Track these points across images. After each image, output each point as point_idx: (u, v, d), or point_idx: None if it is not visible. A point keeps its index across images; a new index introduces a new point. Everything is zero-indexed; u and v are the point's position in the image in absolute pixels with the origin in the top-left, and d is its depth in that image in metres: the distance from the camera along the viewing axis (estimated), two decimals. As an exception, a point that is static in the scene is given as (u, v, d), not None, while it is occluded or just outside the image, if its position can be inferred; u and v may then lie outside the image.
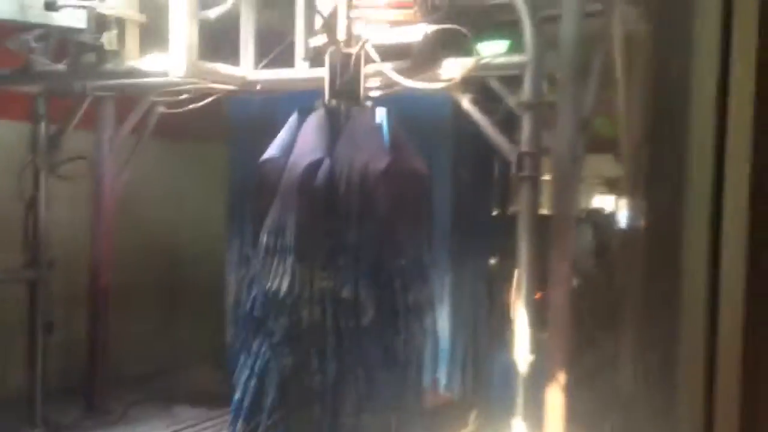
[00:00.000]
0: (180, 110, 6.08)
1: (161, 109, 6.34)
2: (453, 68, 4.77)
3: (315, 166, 3.66)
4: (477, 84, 5.02)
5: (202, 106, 5.95)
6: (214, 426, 5.96)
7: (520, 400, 4.53)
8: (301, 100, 4.16)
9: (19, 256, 5.94)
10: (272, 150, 3.91)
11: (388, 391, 3.44)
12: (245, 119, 6.76)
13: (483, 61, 4.71)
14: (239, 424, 3.57)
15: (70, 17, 5.15)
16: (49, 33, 5.49)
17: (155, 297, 7.56)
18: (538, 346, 4.55)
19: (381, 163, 3.64)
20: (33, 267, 5.92)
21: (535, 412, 4.50)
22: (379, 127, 3.86)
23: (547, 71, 4.63)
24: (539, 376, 4.53)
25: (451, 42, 4.86)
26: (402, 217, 3.70)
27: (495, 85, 4.88)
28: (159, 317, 7.51)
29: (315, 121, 3.84)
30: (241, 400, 3.59)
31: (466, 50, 4.80)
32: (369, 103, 3.99)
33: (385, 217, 3.62)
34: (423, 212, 3.90)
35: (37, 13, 5.01)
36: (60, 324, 6.12)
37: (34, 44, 5.51)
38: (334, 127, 3.81)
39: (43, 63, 5.67)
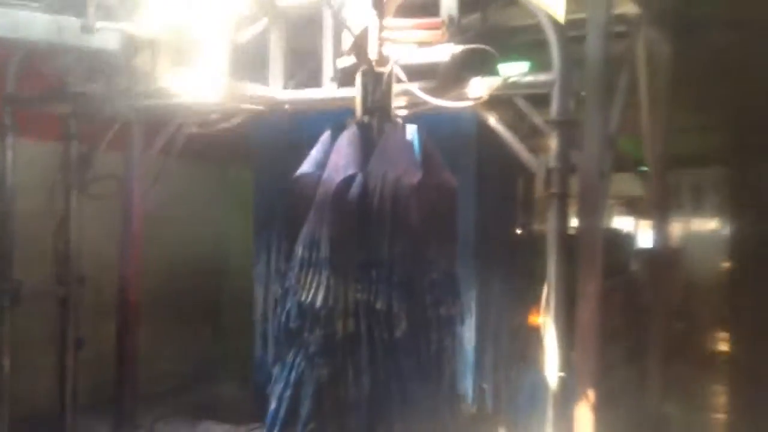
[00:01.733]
0: (208, 131, 6.22)
1: (190, 129, 6.46)
2: (479, 87, 4.84)
3: (349, 180, 3.72)
4: (503, 103, 5.10)
5: (227, 128, 6.07)
6: (242, 442, 6.00)
7: (549, 418, 4.52)
8: (324, 121, 4.25)
9: (49, 272, 6.05)
10: (306, 165, 3.98)
11: (422, 404, 3.47)
12: (269, 141, 6.89)
13: (510, 80, 4.78)
14: (274, 434, 3.61)
15: (104, 39, 5.29)
16: (84, 55, 5.65)
17: (182, 313, 7.64)
18: (567, 364, 4.55)
19: (413, 177, 3.70)
20: (63, 283, 6.03)
21: (565, 429, 4.50)
22: (411, 142, 3.93)
23: (573, 89, 4.70)
24: (568, 394, 4.53)
25: (477, 62, 4.95)
26: (434, 230, 3.75)
27: (521, 103, 4.95)
28: (186, 333, 7.59)
29: (348, 137, 3.92)
30: (277, 410, 3.63)
31: (491, 70, 4.88)
32: (400, 120, 4.06)
33: (418, 230, 3.67)
34: (454, 226, 3.95)
35: (72, 36, 5.15)
36: (89, 340, 6.21)
37: (70, 66, 5.67)
38: (367, 143, 3.88)
39: (76, 84, 5.82)
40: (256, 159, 7.27)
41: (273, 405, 3.67)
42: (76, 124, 6.21)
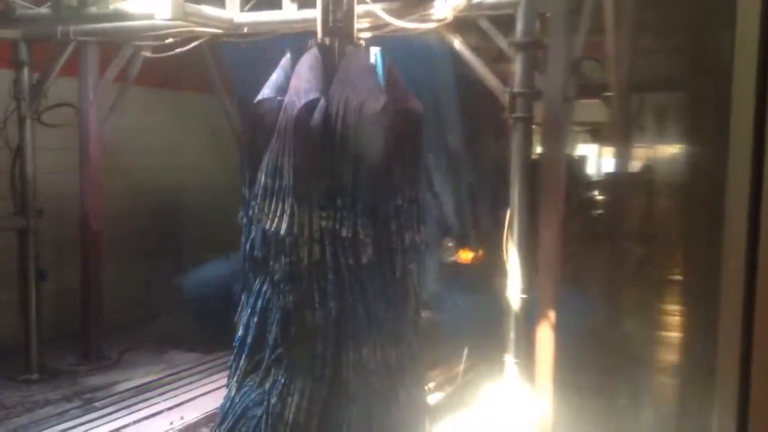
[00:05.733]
0: (165, 55, 6.01)
1: (146, 54, 6.24)
2: (444, 8, 4.74)
3: (310, 106, 3.64)
4: (468, 25, 5.00)
5: (187, 53, 5.87)
6: (209, 369, 6.06)
7: (512, 337, 4.65)
8: (288, 41, 4.13)
9: (7, 204, 5.91)
10: (266, 90, 3.89)
11: (387, 326, 3.51)
12: (242, 65, 6.69)
13: (474, 1, 4.68)
14: (242, 360, 3.64)
15: (51, -42, 5.04)
16: (30, -25, 5.38)
17: (144, 244, 7.57)
18: (529, 286, 4.64)
19: (377, 102, 3.63)
20: (22, 215, 5.90)
21: (526, 348, 4.62)
22: (374, 66, 3.85)
23: (538, 11, 4.62)
24: (529, 314, 4.64)
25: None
26: (398, 157, 3.71)
27: (486, 25, 4.86)
28: (148, 264, 7.54)
29: (309, 60, 3.81)
30: (244, 337, 3.65)
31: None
32: (362, 43, 3.96)
33: (382, 156, 3.64)
34: (419, 152, 3.92)
35: (17, -46, 4.89)
36: (53, 272, 6.14)
37: (14, -14, 5.40)
38: (328, 67, 3.78)
39: (24, 6, 5.55)
40: (233, 86, 7.14)
41: (240, 332, 3.69)
42: (26, 49, 5.95)
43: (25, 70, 5.98)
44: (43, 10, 5.43)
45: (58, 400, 5.42)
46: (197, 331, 6.65)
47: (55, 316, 6.43)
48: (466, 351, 5.59)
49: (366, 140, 3.65)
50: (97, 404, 5.33)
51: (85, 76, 6.33)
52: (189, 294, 6.71)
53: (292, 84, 3.76)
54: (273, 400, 3.41)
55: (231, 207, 7.06)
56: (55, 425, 4.88)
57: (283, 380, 3.43)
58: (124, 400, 5.42)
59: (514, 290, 4.64)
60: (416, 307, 3.73)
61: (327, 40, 3.82)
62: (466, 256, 6.12)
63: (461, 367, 5.60)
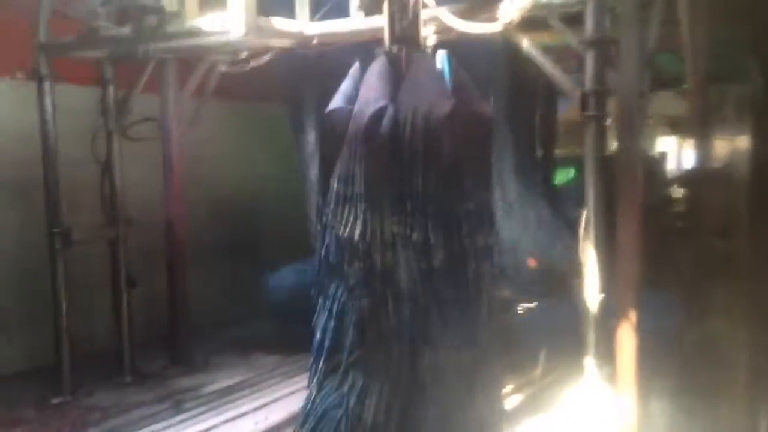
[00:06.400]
0: (239, 70, 6.22)
1: (222, 69, 6.47)
2: (511, 9, 4.71)
3: (379, 113, 3.71)
4: (535, 24, 4.96)
5: (261, 65, 6.06)
6: (291, 370, 6.23)
7: (591, 339, 4.58)
8: (356, 51, 4.19)
9: (98, 216, 6.25)
10: (336, 100, 3.97)
11: (462, 329, 3.54)
12: (301, 75, 6.86)
13: (542, 0, 4.64)
14: (320, 364, 3.74)
15: (131, -19, 5.29)
16: (112, -2, 5.66)
17: (226, 250, 7.84)
18: (607, 286, 4.56)
19: (444, 107, 3.66)
20: (112, 225, 6.23)
21: (606, 350, 4.55)
22: (441, 71, 3.87)
23: (608, 6, 4.54)
24: (608, 315, 4.56)
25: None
26: (467, 160, 3.73)
27: (555, 23, 4.81)
28: (231, 269, 7.80)
29: (377, 69, 3.87)
30: (322, 340, 3.74)
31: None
32: (429, 48, 4.00)
33: (451, 161, 3.66)
34: (489, 155, 3.92)
35: (100, -22, 5.16)
36: (141, 279, 6.44)
37: (98, 10, 5.69)
38: (396, 74, 3.84)
39: (107, 28, 5.85)
40: (289, 95, 7.31)
41: (317, 336, 3.79)
42: (111, 68, 6.27)
43: (111, 88, 6.31)
44: (126, 30, 5.70)
45: (151, 401, 5.70)
46: (279, 333, 6.84)
47: (144, 320, 6.75)
48: (543, 353, 5.54)
49: (434, 145, 3.69)
50: (186, 405, 5.57)
51: (165, 92, 6.63)
52: (269, 298, 6.91)
53: (361, 93, 3.84)
54: (352, 402, 3.49)
55: (306, 214, 7.28)
56: (148, 426, 5.14)
57: (360, 383, 3.51)
58: (211, 401, 5.65)
59: (593, 291, 4.57)
60: (491, 311, 3.74)
61: (394, 48, 3.88)
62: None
63: (538, 370, 5.55)
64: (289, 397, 5.64)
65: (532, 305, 6.05)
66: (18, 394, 5.88)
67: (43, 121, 5.94)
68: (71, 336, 5.95)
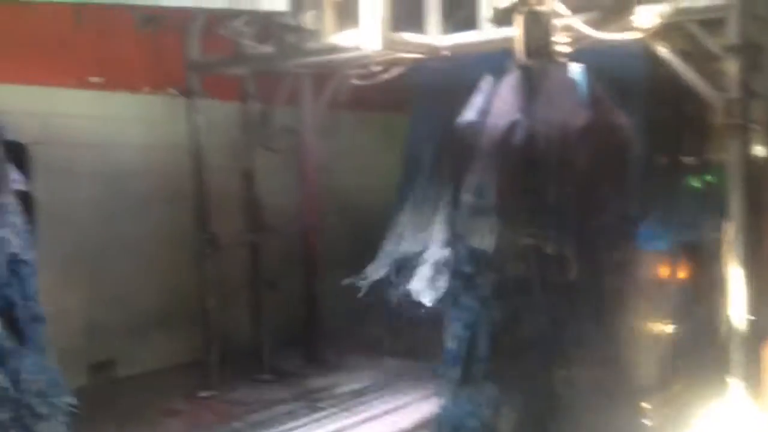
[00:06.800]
0: (371, 82, 6.43)
1: (354, 82, 6.70)
2: (648, 16, 4.59)
3: (513, 126, 3.76)
4: (674, 30, 4.80)
5: (390, 78, 6.24)
6: (419, 375, 6.34)
7: (737, 360, 4.37)
8: (485, 63, 4.24)
9: (241, 222, 6.66)
10: (469, 113, 4.05)
11: (597, 345, 3.52)
12: (428, 87, 6.95)
13: (681, 6, 4.49)
14: (455, 371, 3.83)
15: (274, 1, 5.61)
16: (256, 18, 6.02)
17: (357, 256, 8.08)
18: (756, 306, 4.33)
19: (580, 119, 3.66)
20: (254, 231, 6.63)
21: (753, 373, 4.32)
22: (576, 83, 3.86)
23: (753, 11, 4.34)
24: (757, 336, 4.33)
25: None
26: (604, 173, 3.70)
27: (695, 29, 4.64)
28: (359, 274, 8.02)
29: (510, 82, 3.92)
30: (454, 350, 3.84)
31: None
32: (563, 60, 3.99)
33: (586, 173, 3.65)
34: (626, 167, 3.86)
35: (245, 0, 5.50)
36: (280, 282, 6.79)
37: (243, 29, 6.08)
38: (530, 87, 3.87)
39: (251, 46, 6.23)
40: (413, 106, 7.43)
41: (450, 344, 3.88)
42: (253, 83, 6.67)
43: (252, 102, 6.71)
44: (268, 48, 6.05)
45: (288, 399, 6.02)
46: (408, 340, 6.97)
47: (280, 322, 7.10)
48: (681, 371, 5.34)
49: (569, 157, 3.69)
50: (320, 405, 5.84)
51: (302, 105, 6.98)
52: (398, 304, 7.05)
53: (494, 105, 3.90)
54: (487, 413, 3.56)
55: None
56: (287, 422, 5.44)
57: (495, 394, 3.58)
58: (343, 402, 5.89)
59: (738, 309, 4.36)
60: (629, 326, 3.68)
61: (527, 61, 3.90)
62: (667, 272, 5.79)
63: (677, 387, 5.35)
64: (418, 402, 5.76)
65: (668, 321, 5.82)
66: (171, 386, 6.38)
67: (192, 135, 6.41)
68: (216, 334, 6.38)
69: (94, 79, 6.58)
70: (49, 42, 5.91)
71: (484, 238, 3.73)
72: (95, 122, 6.61)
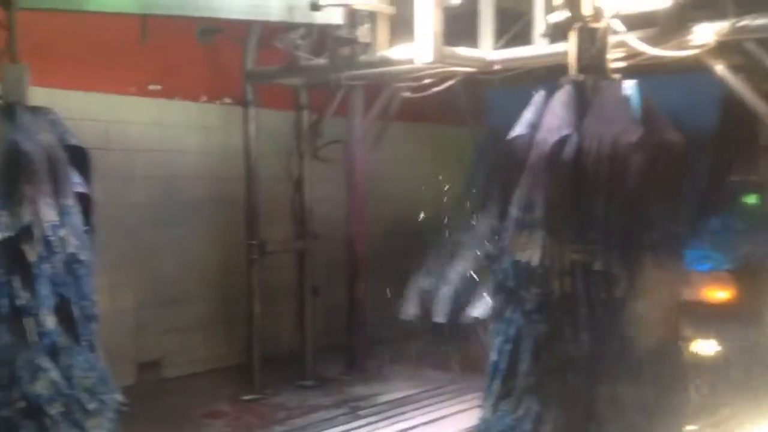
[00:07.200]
0: (421, 95, 6.48)
1: (405, 94, 6.76)
2: (705, 33, 4.54)
3: (563, 141, 3.75)
4: (729, 49, 4.73)
5: (437, 90, 6.28)
6: (460, 388, 6.34)
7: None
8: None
9: (289, 229, 6.77)
10: (520, 128, 4.05)
11: (644, 364, 3.46)
12: (501, 108, 6.95)
13: (739, 25, 4.42)
14: (496, 384, 3.82)
15: (330, 15, 5.73)
16: (311, 30, 6.15)
17: (402, 266, 8.11)
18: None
19: (632, 135, 3.63)
20: (301, 238, 6.73)
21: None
22: (628, 99, 3.84)
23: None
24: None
25: (704, 5, 4.63)
26: (655, 189, 3.66)
27: (751, 47, 4.57)
28: (403, 284, 8.05)
29: (562, 97, 3.91)
30: (498, 362, 3.83)
31: (721, 14, 4.53)
32: (617, 76, 3.97)
33: (637, 189, 3.61)
34: (678, 185, 3.81)
35: (301, 13, 5.63)
36: (323, 289, 6.87)
37: (299, 41, 6.21)
38: (582, 103, 3.85)
39: (305, 58, 6.36)
40: (486, 124, 7.46)
41: (494, 357, 3.88)
42: (306, 94, 6.80)
43: (305, 113, 6.84)
44: (322, 60, 6.17)
45: (329, 406, 6.07)
46: (451, 352, 6.96)
47: (324, 328, 7.18)
48: (730, 394, 5.20)
49: (619, 173, 3.66)
50: (361, 413, 5.87)
51: (352, 116, 7.07)
52: (440, 316, 7.05)
53: (545, 120, 3.90)
54: (527, 428, 3.54)
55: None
56: (328, 429, 5.48)
57: (536, 409, 3.55)
58: (384, 411, 5.91)
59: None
60: (676, 346, 3.63)
61: (580, 77, 3.90)
62: (716, 292, 5.65)
63: (726, 411, 5.22)
64: (459, 414, 5.74)
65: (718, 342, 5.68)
66: (215, 388, 6.50)
67: (246, 143, 6.55)
68: (261, 339, 6.48)
69: (154, 87, 6.81)
70: (114, 51, 6.14)
71: (530, 253, 3.72)
72: (154, 129, 6.83)
